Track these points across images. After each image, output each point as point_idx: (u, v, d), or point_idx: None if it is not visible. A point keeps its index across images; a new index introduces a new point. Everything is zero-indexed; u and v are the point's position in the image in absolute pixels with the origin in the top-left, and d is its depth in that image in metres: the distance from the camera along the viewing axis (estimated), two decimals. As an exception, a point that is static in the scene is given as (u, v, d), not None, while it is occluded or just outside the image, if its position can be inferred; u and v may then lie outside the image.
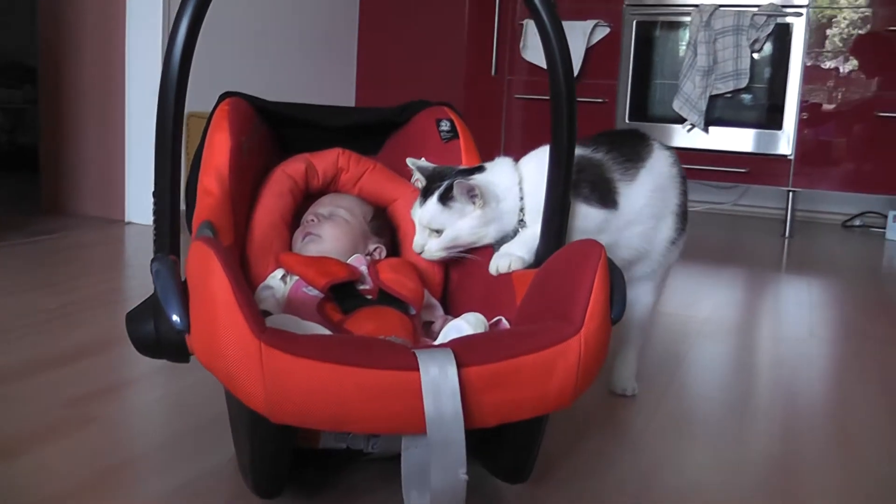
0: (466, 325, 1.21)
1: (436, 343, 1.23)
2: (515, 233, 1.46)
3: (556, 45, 1.27)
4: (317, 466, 1.28)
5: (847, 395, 1.78)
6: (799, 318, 2.42)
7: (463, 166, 1.54)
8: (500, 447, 1.16)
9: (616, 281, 1.13)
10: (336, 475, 1.27)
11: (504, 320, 1.32)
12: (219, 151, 1.42)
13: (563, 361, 1.03)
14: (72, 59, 3.38)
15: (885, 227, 3.94)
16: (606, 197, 1.49)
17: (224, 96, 1.53)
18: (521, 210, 1.46)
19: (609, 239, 1.50)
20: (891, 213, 3.84)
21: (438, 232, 1.45)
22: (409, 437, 0.99)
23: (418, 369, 0.96)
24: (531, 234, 1.42)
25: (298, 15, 4.04)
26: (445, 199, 1.43)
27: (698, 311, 2.42)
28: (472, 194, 1.42)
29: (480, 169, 1.49)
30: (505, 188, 1.45)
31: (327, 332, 1.18)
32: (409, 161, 1.52)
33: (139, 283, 2.43)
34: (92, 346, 1.83)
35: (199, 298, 0.99)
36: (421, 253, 1.48)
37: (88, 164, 3.42)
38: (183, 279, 1.06)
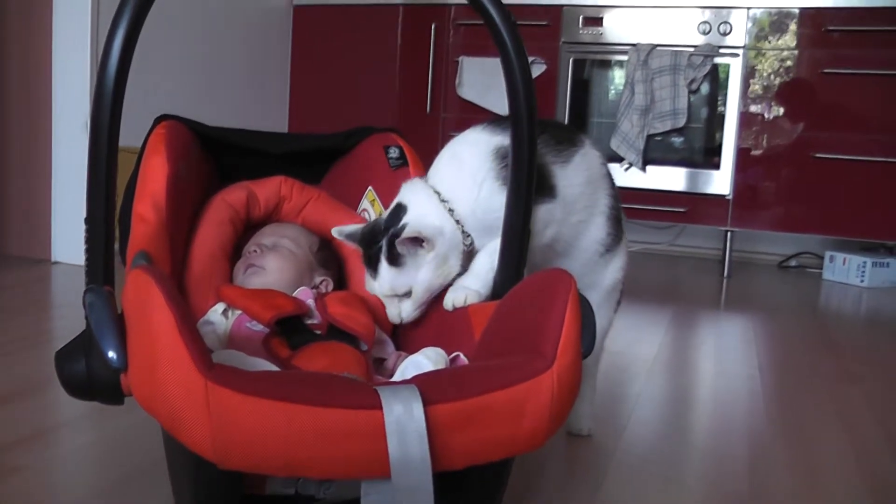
0: (426, 360, 1.13)
1: (394, 378, 1.14)
2: (471, 255, 1.38)
3: (515, 62, 1.19)
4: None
5: (806, 430, 1.74)
6: (747, 355, 2.39)
7: (383, 214, 1.41)
8: (464, 490, 1.07)
9: (585, 313, 1.06)
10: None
11: (462, 356, 1.24)
12: (155, 177, 1.33)
13: (535, 398, 0.95)
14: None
15: (821, 268, 3.96)
16: (543, 185, 1.40)
17: (160, 119, 1.44)
18: (462, 232, 1.37)
19: (554, 232, 1.44)
20: (827, 254, 3.87)
21: (406, 293, 1.36)
22: (369, 481, 0.90)
23: (381, 408, 0.88)
24: (485, 265, 1.35)
25: (230, 46, 3.96)
26: (395, 260, 1.33)
27: (644, 349, 2.36)
28: (418, 244, 1.32)
29: (400, 209, 1.36)
30: (437, 216, 1.35)
31: (275, 369, 1.09)
32: (335, 231, 1.42)
33: (69, 323, 2.29)
34: (16, 391, 1.70)
35: (137, 332, 0.90)
36: (401, 322, 1.38)
37: (11, 199, 3.26)
38: (119, 312, 0.96)
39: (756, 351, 2.44)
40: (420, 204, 1.36)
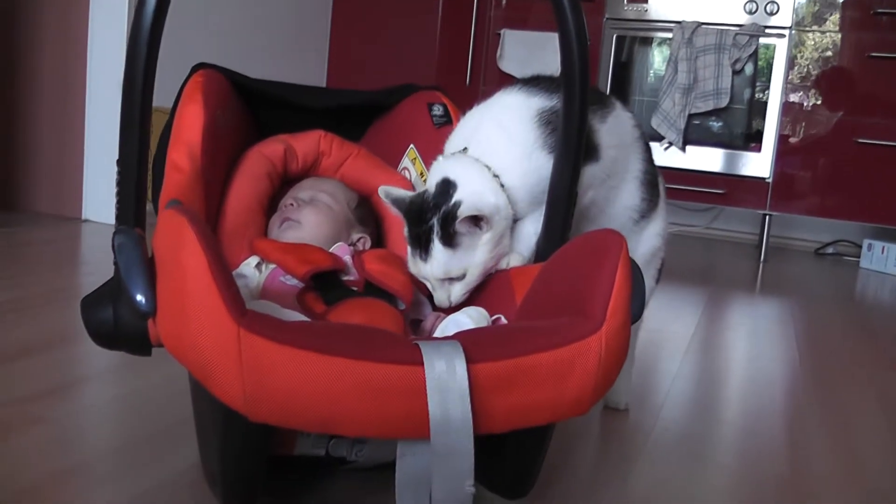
0: (468, 319, 1.08)
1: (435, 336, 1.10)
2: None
3: (571, 19, 1.14)
4: (290, 475, 1.15)
5: (846, 414, 1.68)
6: (784, 339, 2.33)
7: (432, 186, 1.28)
8: (501, 456, 1.03)
9: (636, 276, 1.01)
10: (314, 486, 1.14)
11: (504, 319, 1.19)
12: (190, 125, 1.29)
13: (582, 361, 0.90)
14: (27, 41, 3.19)
15: (858, 256, 3.88)
16: (588, 146, 1.32)
17: (197, 67, 1.40)
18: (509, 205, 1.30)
19: (596, 195, 1.39)
20: (866, 242, 3.78)
21: (459, 276, 1.27)
22: (405, 442, 0.86)
23: (423, 364, 0.83)
24: (527, 229, 1.30)
25: (270, 6, 3.91)
26: (450, 241, 1.24)
27: (680, 328, 2.31)
28: (476, 223, 1.24)
29: (448, 185, 1.25)
30: (493, 193, 1.27)
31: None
32: (381, 190, 1.30)
33: (97, 279, 2.22)
34: (42, 343, 1.67)
35: (168, 276, 0.86)
36: (450, 306, 1.28)
37: (43, 157, 3.23)
38: (150, 255, 0.92)
39: (793, 335, 2.37)
40: (472, 179, 1.26)
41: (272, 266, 1.26)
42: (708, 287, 3.05)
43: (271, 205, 1.43)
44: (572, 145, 1.21)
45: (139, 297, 0.88)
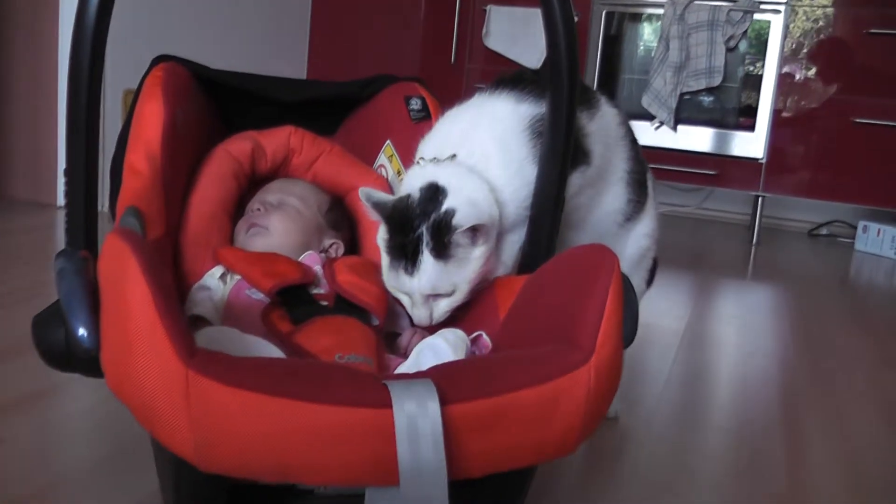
0: (444, 343, 0.99)
1: (406, 364, 1.01)
2: None
3: (559, 14, 1.06)
4: (255, 506, 1.07)
5: (846, 418, 1.61)
6: (778, 332, 2.26)
7: (414, 190, 1.17)
8: (480, 495, 0.95)
9: (628, 297, 0.93)
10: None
11: (485, 336, 1.11)
12: (149, 124, 1.20)
13: (568, 397, 0.82)
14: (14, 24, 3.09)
15: (852, 237, 3.80)
16: (578, 151, 1.24)
17: (157, 60, 1.31)
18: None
19: (579, 200, 1.30)
20: (860, 223, 3.71)
21: (445, 293, 1.16)
22: (375, 488, 0.78)
23: (391, 405, 0.75)
24: (511, 238, 1.22)
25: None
26: (443, 253, 1.13)
27: (672, 322, 2.23)
28: (476, 235, 1.14)
29: (437, 191, 1.15)
30: (488, 203, 1.17)
31: (274, 349, 0.95)
32: (362, 192, 1.16)
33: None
34: (5, 350, 1.58)
35: (110, 308, 0.77)
36: (430, 324, 1.17)
37: (16, 141, 3.13)
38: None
39: (787, 327, 2.30)
40: (465, 187, 1.16)
41: (237, 277, 1.18)
42: (699, 272, 2.97)
43: (238, 207, 1.34)
44: (559, 149, 1.13)
45: (80, 331, 0.79)
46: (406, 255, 1.14)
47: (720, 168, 3.67)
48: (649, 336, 2.05)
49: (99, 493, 1.10)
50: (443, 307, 1.16)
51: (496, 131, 1.22)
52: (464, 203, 1.13)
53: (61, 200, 3.05)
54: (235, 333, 0.95)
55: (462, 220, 1.11)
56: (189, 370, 0.72)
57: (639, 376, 1.75)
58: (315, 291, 1.17)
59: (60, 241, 2.62)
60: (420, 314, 1.16)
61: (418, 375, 0.80)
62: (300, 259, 1.24)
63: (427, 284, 1.13)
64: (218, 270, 1.21)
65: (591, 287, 0.89)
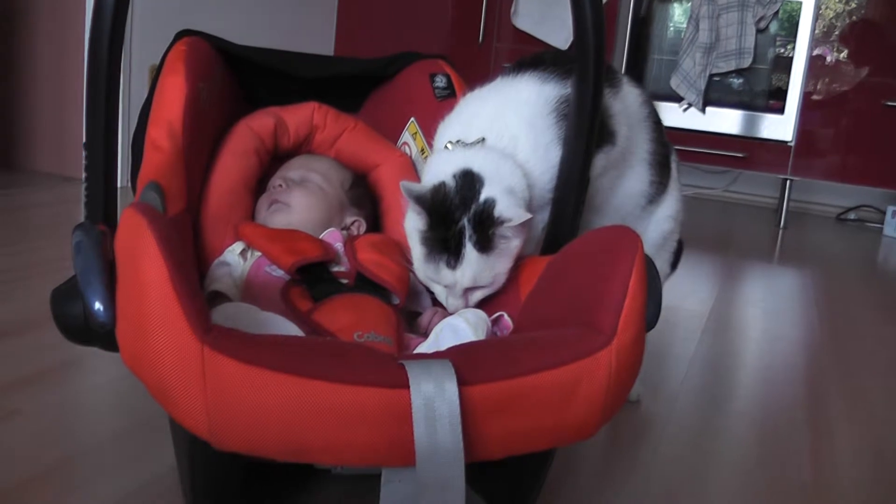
0: (465, 324, 0.98)
1: (426, 343, 1.00)
2: None
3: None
4: (272, 483, 1.07)
5: (873, 408, 1.58)
6: (805, 316, 2.23)
7: (447, 177, 1.14)
8: (499, 477, 0.94)
9: (652, 280, 0.91)
10: (296, 495, 1.05)
11: (506, 316, 1.10)
12: (172, 99, 1.19)
13: (589, 380, 0.81)
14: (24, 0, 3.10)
15: (881, 223, 3.75)
16: (603, 131, 1.22)
17: (181, 35, 1.30)
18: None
19: (601, 182, 1.28)
20: (889, 209, 3.66)
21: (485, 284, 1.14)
22: (391, 468, 0.77)
23: (408, 386, 0.74)
24: (535, 217, 1.20)
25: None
26: (487, 246, 1.11)
27: (697, 305, 2.21)
28: (521, 227, 1.12)
29: (473, 179, 1.12)
30: (523, 191, 1.15)
31: (292, 326, 0.95)
32: (403, 186, 1.12)
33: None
34: (24, 322, 1.58)
35: (126, 284, 0.76)
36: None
37: (43, 116, 3.14)
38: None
39: (814, 312, 2.27)
40: (501, 173, 1.14)
41: (258, 254, 1.17)
42: (725, 256, 2.94)
43: (260, 184, 1.33)
44: (584, 130, 1.11)
45: (97, 306, 0.79)
46: (448, 248, 1.11)
47: (748, 151, 3.63)
48: (673, 318, 2.03)
49: (116, 466, 1.10)
50: (478, 296, 1.15)
51: (524, 114, 1.20)
52: (502, 193, 1.12)
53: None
54: (253, 310, 0.94)
55: (507, 212, 1.09)
56: (205, 346, 0.72)
57: (662, 359, 1.73)
58: (336, 269, 1.16)
59: (79, 214, 2.63)
60: (456, 304, 1.14)
61: (437, 356, 0.79)
62: (321, 236, 1.23)
63: (470, 278, 1.12)
64: (238, 246, 1.20)
65: (613, 269, 0.87)
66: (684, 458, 1.30)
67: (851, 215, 3.98)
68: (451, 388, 0.74)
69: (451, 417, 0.74)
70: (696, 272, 2.62)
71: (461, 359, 0.78)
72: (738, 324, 2.14)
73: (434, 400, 0.74)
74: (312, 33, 4.13)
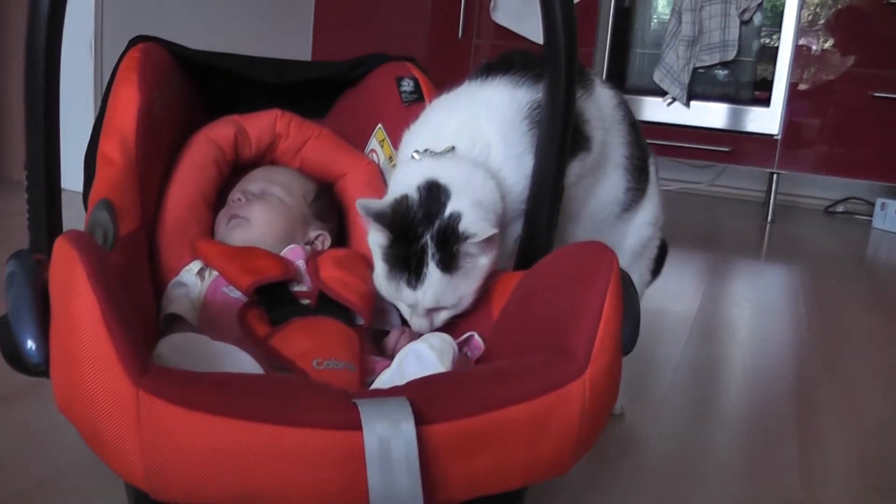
0: (429, 350, 0.92)
1: (389, 370, 0.94)
2: None
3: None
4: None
5: (865, 410, 1.53)
6: (796, 315, 2.18)
7: (411, 189, 1.07)
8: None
9: (628, 298, 0.86)
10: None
11: (477, 336, 1.04)
12: (124, 110, 1.14)
13: (561, 413, 0.76)
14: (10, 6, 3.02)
15: (870, 215, 3.71)
16: (577, 137, 1.15)
17: (135, 41, 1.24)
18: None
19: (582, 188, 1.22)
20: (879, 201, 3.61)
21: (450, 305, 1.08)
22: (347, 513, 0.72)
23: (360, 427, 0.68)
24: (507, 230, 1.15)
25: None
26: (451, 265, 1.04)
27: (683, 305, 2.16)
28: (489, 243, 1.05)
29: (439, 191, 1.05)
30: (493, 204, 1.08)
31: (246, 357, 0.88)
32: (359, 204, 1.05)
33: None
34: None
35: (59, 322, 0.71)
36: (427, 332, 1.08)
37: (14, 121, 3.07)
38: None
39: (803, 311, 2.22)
40: (470, 185, 1.07)
41: (216, 273, 1.11)
42: (712, 252, 2.89)
43: (219, 198, 1.27)
44: (557, 135, 1.05)
45: (28, 344, 0.73)
46: (409, 267, 1.04)
47: (734, 144, 3.58)
48: (658, 323, 1.98)
49: (94, 490, 1.03)
50: (444, 316, 1.08)
51: (495, 121, 1.13)
52: (470, 206, 1.05)
53: (64, 183, 2.98)
54: (202, 340, 0.88)
55: (472, 227, 1.02)
56: (140, 390, 0.66)
57: (646, 368, 1.68)
58: (297, 289, 1.10)
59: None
60: (420, 324, 1.08)
61: (393, 392, 0.74)
62: (283, 253, 1.17)
63: (432, 299, 1.05)
64: (196, 265, 1.14)
65: (586, 289, 0.82)
66: (669, 474, 1.24)
67: (840, 208, 3.93)
68: (408, 428, 0.69)
69: (408, 460, 0.69)
70: (681, 272, 2.56)
71: (420, 394, 0.72)
72: (725, 325, 2.09)
73: (389, 441, 0.68)
74: (290, 34, 4.06)
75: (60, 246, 0.72)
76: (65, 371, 0.69)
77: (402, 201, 1.06)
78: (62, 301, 0.70)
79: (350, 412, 0.69)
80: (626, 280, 0.86)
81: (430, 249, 1.03)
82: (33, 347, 0.73)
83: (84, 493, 1.04)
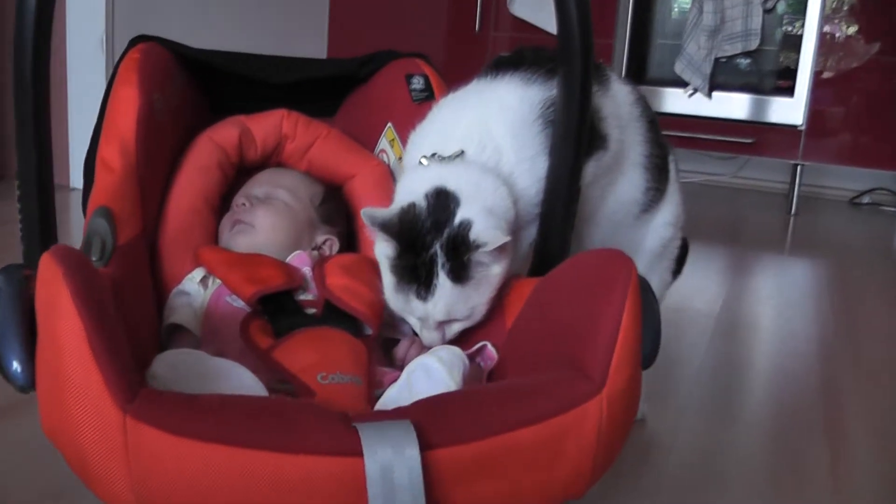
0: (438, 364, 0.87)
1: (398, 385, 0.90)
2: None
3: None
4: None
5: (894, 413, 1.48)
6: (821, 311, 2.12)
7: (418, 196, 1.02)
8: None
9: (648, 308, 0.81)
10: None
11: (490, 346, 1.00)
12: (123, 113, 1.10)
13: (576, 435, 0.71)
14: (8, 6, 2.99)
15: (896, 205, 3.64)
16: (593, 136, 1.10)
17: (135, 41, 1.20)
18: None
19: (603, 186, 1.18)
20: (905, 191, 3.54)
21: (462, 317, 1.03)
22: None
23: (361, 453, 0.64)
24: (523, 234, 1.10)
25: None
26: (462, 275, 0.99)
27: (705, 303, 2.11)
28: (501, 251, 0.99)
29: (448, 198, 1.00)
30: (505, 210, 1.03)
31: (246, 374, 0.84)
32: (364, 214, 1.00)
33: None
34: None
35: (44, 345, 0.67)
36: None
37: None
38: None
39: (828, 307, 2.17)
40: (480, 191, 1.02)
41: (219, 281, 1.07)
42: (734, 247, 2.83)
43: (224, 202, 1.23)
44: (573, 134, 1.01)
45: (14, 367, 0.69)
46: (418, 278, 0.99)
47: (757, 136, 3.51)
48: (679, 322, 1.93)
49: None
50: (455, 329, 1.03)
51: (507, 121, 1.08)
52: (481, 213, 1.00)
53: (74, 182, 2.97)
54: (199, 357, 0.83)
55: (483, 235, 0.97)
56: (127, 416, 0.63)
57: (667, 369, 1.63)
58: (302, 297, 1.06)
59: (73, 223, 2.53)
60: (431, 338, 1.02)
61: (397, 414, 0.69)
62: (288, 259, 1.13)
63: (443, 311, 1.00)
64: (199, 273, 1.10)
65: (604, 302, 0.77)
66: (692, 482, 1.20)
67: (865, 199, 3.85)
68: (412, 454, 0.65)
69: (412, 487, 0.65)
70: (703, 267, 2.51)
71: (425, 417, 0.68)
72: (748, 324, 2.04)
73: (392, 468, 0.64)
74: (305, 31, 4.01)
75: (46, 263, 0.68)
76: (49, 396, 0.66)
77: (410, 210, 1.01)
78: (47, 323, 0.66)
79: (350, 437, 0.65)
80: (645, 289, 0.82)
81: (440, 259, 0.98)
82: (19, 370, 0.69)
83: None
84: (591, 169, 1.11)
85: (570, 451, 0.71)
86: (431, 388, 0.83)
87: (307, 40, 4.02)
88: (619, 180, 1.21)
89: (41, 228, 0.88)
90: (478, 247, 0.97)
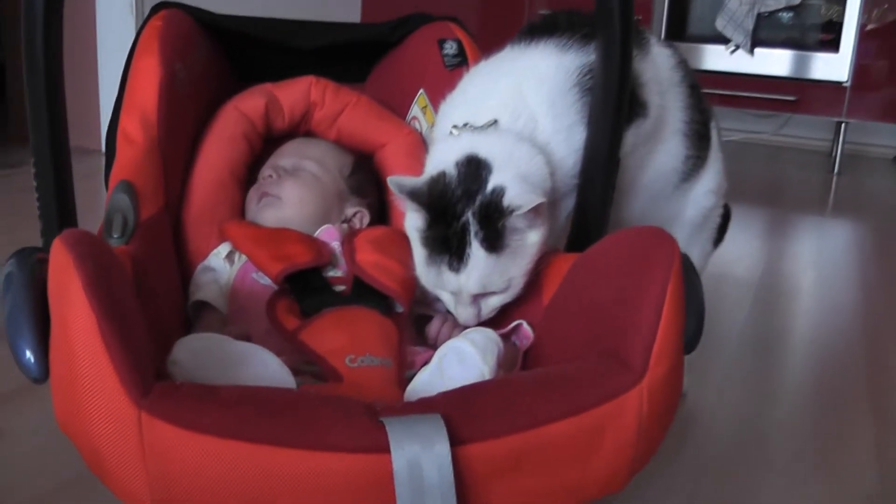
0: (471, 348, 0.83)
1: (429, 369, 0.86)
2: None
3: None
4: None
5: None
6: (865, 278, 2.06)
7: (448, 165, 0.97)
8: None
9: (691, 289, 0.77)
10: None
11: (525, 325, 0.96)
12: (144, 84, 1.07)
13: (615, 428, 0.68)
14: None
15: (943, 163, 3.54)
16: (633, 102, 1.05)
17: (157, 8, 1.16)
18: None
19: (642, 155, 1.13)
20: (953, 148, 3.44)
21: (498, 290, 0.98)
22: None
23: (388, 449, 0.61)
24: (561, 205, 1.06)
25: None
26: (496, 243, 0.94)
27: (746, 269, 2.05)
28: (536, 216, 0.95)
29: (479, 166, 0.96)
30: (541, 177, 0.99)
31: (271, 359, 0.80)
32: (391, 182, 0.97)
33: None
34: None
35: (56, 335, 0.64)
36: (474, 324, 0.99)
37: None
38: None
39: (874, 273, 2.10)
40: (513, 158, 0.97)
41: (245, 257, 1.04)
42: (775, 208, 2.76)
43: (250, 173, 1.20)
44: (612, 102, 0.96)
45: (26, 357, 0.67)
46: (450, 248, 0.95)
47: (800, 93, 3.42)
48: (719, 290, 1.87)
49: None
50: (493, 304, 0.98)
51: (542, 90, 1.03)
52: (514, 180, 0.95)
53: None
54: (222, 342, 0.80)
55: (517, 199, 0.92)
56: (142, 411, 0.60)
57: (707, 340, 1.56)
58: (331, 274, 1.02)
59: (103, 194, 2.51)
60: (467, 314, 0.98)
61: (426, 407, 0.66)
62: (317, 234, 1.09)
63: (477, 283, 0.95)
64: (224, 248, 1.07)
65: (644, 285, 0.73)
66: (732, 463, 1.16)
67: (910, 156, 3.76)
68: (443, 450, 0.61)
69: (442, 485, 0.61)
70: (743, 231, 2.44)
71: (456, 410, 0.65)
72: (790, 292, 1.98)
73: (421, 465, 0.61)
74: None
75: (57, 250, 0.65)
76: (62, 390, 0.63)
77: (440, 178, 0.97)
78: (59, 313, 0.63)
79: (377, 433, 0.61)
80: (688, 267, 0.78)
81: (473, 227, 0.94)
82: (31, 360, 0.66)
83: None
84: (630, 138, 1.06)
85: (609, 445, 0.67)
86: (464, 374, 0.80)
87: (340, 5, 3.94)
88: (659, 149, 1.16)
89: (58, 206, 0.85)
90: (511, 211, 0.92)
